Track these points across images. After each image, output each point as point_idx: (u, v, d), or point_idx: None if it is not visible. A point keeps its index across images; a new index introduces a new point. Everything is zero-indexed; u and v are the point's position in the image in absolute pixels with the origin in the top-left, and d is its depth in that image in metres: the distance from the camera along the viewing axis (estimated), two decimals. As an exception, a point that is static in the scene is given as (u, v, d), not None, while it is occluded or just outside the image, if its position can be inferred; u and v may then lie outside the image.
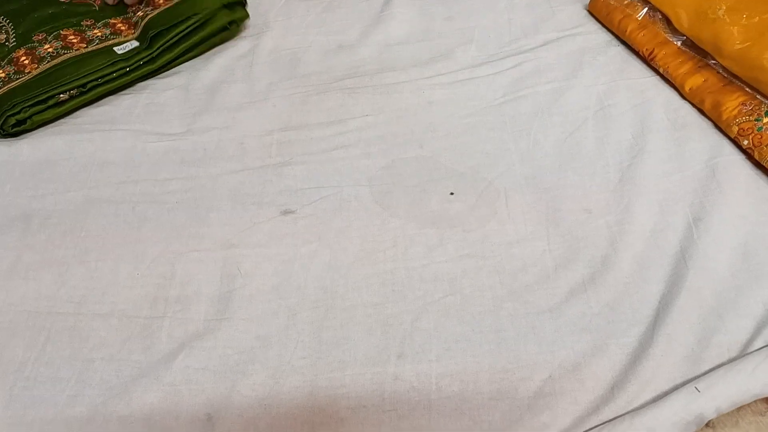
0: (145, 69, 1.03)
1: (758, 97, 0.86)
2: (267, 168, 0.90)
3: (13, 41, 1.02)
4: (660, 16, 1.02)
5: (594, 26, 1.12)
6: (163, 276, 0.77)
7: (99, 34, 1.04)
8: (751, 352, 0.65)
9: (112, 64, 0.99)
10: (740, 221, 0.77)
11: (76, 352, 0.70)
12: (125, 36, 1.04)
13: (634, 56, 1.04)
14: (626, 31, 1.04)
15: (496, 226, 0.80)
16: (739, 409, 0.64)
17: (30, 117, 0.94)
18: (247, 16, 1.14)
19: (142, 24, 1.05)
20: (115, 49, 1.01)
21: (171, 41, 1.04)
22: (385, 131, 0.94)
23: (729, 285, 0.71)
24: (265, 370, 0.68)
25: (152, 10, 1.06)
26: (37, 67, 0.97)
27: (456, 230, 0.80)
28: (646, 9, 1.03)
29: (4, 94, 0.94)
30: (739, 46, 0.87)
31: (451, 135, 0.93)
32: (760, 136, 0.82)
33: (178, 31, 1.03)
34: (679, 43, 0.98)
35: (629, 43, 1.05)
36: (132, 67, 1.01)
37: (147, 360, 0.69)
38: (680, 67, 0.95)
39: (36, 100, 0.93)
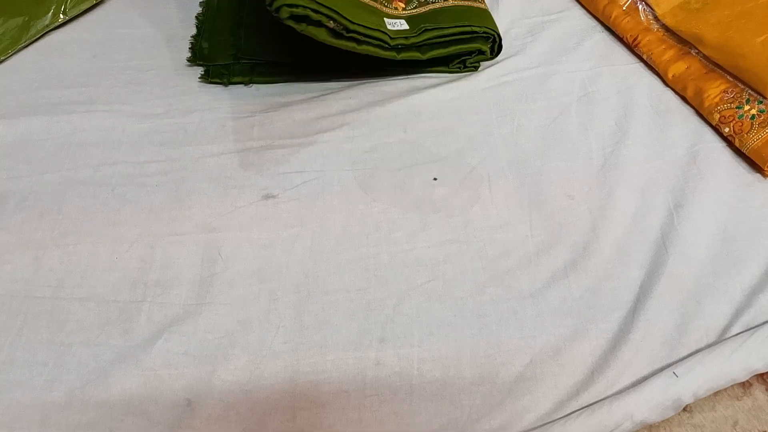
0: (404, 55, 0.95)
1: (740, 84, 0.86)
2: (249, 151, 0.89)
3: None
4: (644, 4, 1.02)
5: (578, 11, 1.12)
6: (142, 259, 0.76)
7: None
8: (729, 338, 0.66)
9: (380, 31, 0.91)
10: (720, 208, 0.78)
11: (53, 336, 0.69)
12: (394, 7, 0.97)
13: (618, 42, 1.04)
14: (610, 17, 1.04)
15: (479, 211, 0.80)
16: (716, 393, 0.65)
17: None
18: (476, 68, 1.02)
19: (422, 10, 0.98)
20: (386, 21, 0.94)
21: (438, 40, 0.96)
22: (368, 114, 0.94)
23: (708, 271, 0.72)
24: (245, 355, 0.68)
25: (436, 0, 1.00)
26: None
27: (439, 215, 0.80)
28: (631, -4, 1.04)
29: None
30: (720, 36, 0.88)
31: (435, 119, 0.93)
32: (740, 124, 0.83)
33: (450, 32, 0.96)
34: (662, 31, 0.98)
35: (613, 29, 1.05)
36: (393, 45, 0.93)
37: (126, 344, 0.69)
38: (663, 53, 0.96)
39: (317, 7, 0.85)
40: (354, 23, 0.88)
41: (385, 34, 0.91)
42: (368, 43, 0.91)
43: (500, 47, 1.00)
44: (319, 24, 0.87)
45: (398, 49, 0.94)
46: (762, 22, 0.87)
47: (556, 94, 0.95)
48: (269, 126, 0.92)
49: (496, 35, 0.98)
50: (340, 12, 0.86)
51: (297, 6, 0.84)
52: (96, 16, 1.14)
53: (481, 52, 0.99)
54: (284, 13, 0.84)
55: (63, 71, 1.02)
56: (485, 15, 1.00)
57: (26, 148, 0.89)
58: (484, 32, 0.97)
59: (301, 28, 0.86)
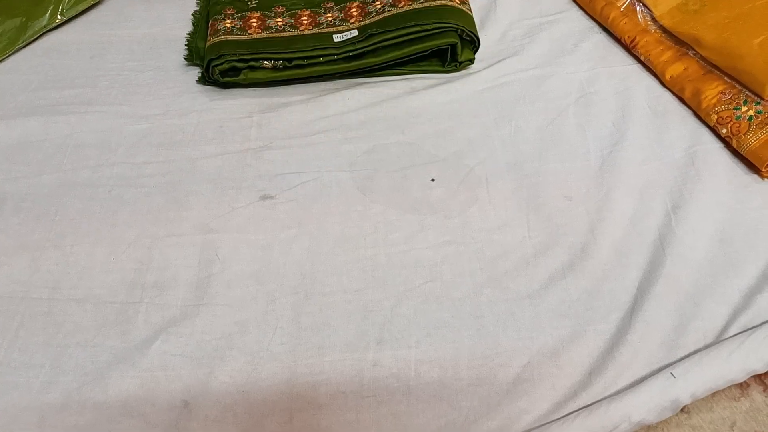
0: (358, 63, 0.98)
1: (737, 86, 0.86)
2: (246, 152, 0.89)
3: (255, 4, 1.05)
4: (642, 6, 1.02)
5: (576, 13, 1.12)
6: (139, 261, 0.76)
7: (330, 18, 1.01)
8: (727, 339, 0.66)
9: (322, 48, 0.96)
10: (718, 209, 0.78)
11: (50, 338, 0.69)
12: (352, 23, 1.00)
13: (616, 44, 1.04)
14: (608, 18, 1.04)
15: (477, 212, 0.80)
16: (714, 394, 0.65)
17: (243, 71, 0.96)
18: (471, 62, 1.02)
19: (375, 19, 0.99)
20: (333, 36, 0.98)
21: (388, 42, 0.96)
22: (366, 116, 0.94)
23: (706, 272, 0.72)
24: (243, 356, 0.67)
25: (391, 7, 0.99)
26: (260, 33, 0.99)
27: (437, 216, 0.80)
28: (628, -2, 1.04)
29: (219, 43, 0.97)
30: (718, 37, 0.88)
31: (433, 121, 0.93)
32: (738, 125, 0.83)
33: (397, 34, 0.96)
34: (660, 32, 0.98)
35: (611, 31, 1.05)
36: (341, 55, 0.97)
37: (123, 346, 0.69)
38: (661, 55, 0.96)
39: (240, 57, 0.95)
40: (293, 54, 0.96)
41: (328, 48, 0.96)
42: (314, 65, 0.97)
43: (476, 39, 0.99)
44: (255, 67, 0.96)
45: (349, 58, 0.97)
46: (760, 24, 0.87)
47: (554, 96, 0.95)
48: (267, 127, 0.92)
49: (457, 27, 0.96)
50: (274, 51, 0.95)
51: (222, 62, 0.95)
52: (93, 16, 1.14)
53: (442, 49, 0.98)
54: (216, 73, 0.95)
55: (60, 72, 1.02)
56: (445, 11, 0.97)
57: (24, 150, 0.89)
58: (436, 29, 0.95)
59: (242, 78, 0.96)
